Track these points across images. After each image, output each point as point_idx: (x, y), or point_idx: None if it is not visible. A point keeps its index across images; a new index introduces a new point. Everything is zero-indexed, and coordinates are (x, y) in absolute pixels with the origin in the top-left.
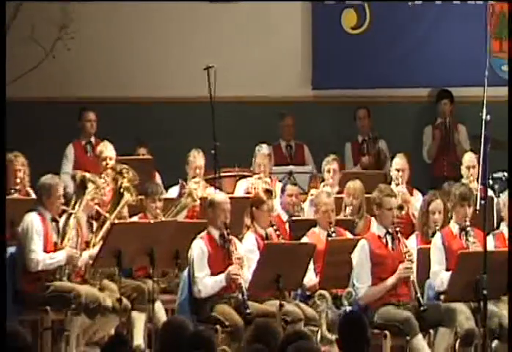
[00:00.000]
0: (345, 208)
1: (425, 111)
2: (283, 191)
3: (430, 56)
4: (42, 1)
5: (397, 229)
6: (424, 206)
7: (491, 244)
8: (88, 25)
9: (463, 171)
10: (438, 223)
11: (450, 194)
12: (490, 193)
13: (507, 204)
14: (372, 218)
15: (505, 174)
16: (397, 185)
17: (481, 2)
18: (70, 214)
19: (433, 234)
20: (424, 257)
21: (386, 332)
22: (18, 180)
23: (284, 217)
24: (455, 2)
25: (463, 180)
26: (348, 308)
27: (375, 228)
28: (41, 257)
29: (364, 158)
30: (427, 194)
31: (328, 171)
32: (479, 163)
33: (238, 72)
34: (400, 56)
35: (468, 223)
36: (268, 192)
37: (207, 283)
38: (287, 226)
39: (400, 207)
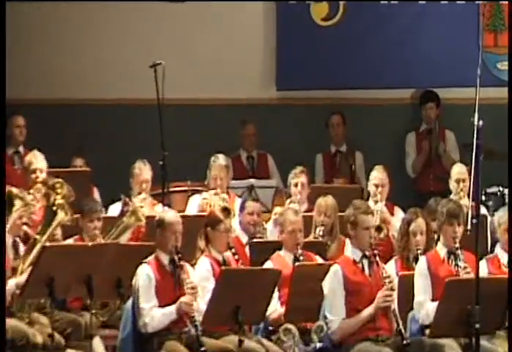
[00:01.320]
0: (315, 228)
1: (407, 115)
2: (242, 208)
3: (413, 52)
4: (42, 0)
5: (376, 252)
6: (403, 226)
7: (484, 270)
8: (29, 23)
9: (452, 185)
10: (420, 246)
11: (437, 212)
12: (483, 210)
13: (503, 223)
14: (347, 240)
15: (501, 188)
16: (376, 202)
17: None
18: None
19: (415, 258)
20: (406, 285)
21: None
22: None
23: (244, 239)
24: (442, 2)
25: (452, 196)
26: (319, 344)
27: (350, 251)
28: None
29: (337, 181)
30: (407, 213)
31: (296, 186)
32: (470, 176)
33: (191, 72)
34: (379, 52)
35: (457, 245)
36: (226, 210)
37: (155, 316)
38: (247, 249)
39: (379, 228)
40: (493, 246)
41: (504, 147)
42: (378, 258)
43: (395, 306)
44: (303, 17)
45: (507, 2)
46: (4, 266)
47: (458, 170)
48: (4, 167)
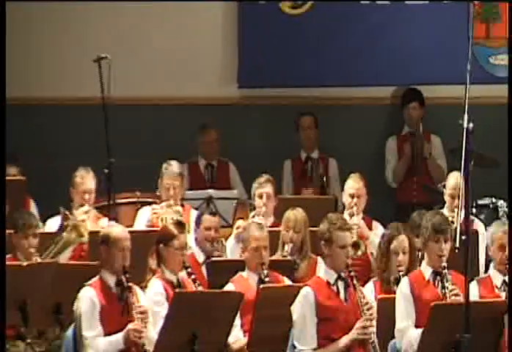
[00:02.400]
0: (283, 246)
1: (387, 117)
2: (198, 222)
3: (394, 45)
4: (42, 0)
5: (352, 273)
6: (383, 244)
7: (475, 293)
8: None
9: (447, 199)
10: (402, 266)
11: (421, 227)
12: (474, 225)
13: (497, 239)
14: (319, 259)
15: (494, 200)
16: (352, 215)
17: None
18: None
19: (396, 280)
20: (386, 310)
21: None
22: None
23: (200, 257)
24: None
25: (446, 211)
26: None
27: (324, 272)
28: None
29: (307, 191)
30: (387, 228)
31: (261, 197)
32: (456, 183)
33: (141, 67)
34: (354, 45)
35: (444, 265)
36: (180, 224)
37: (100, 345)
38: (204, 269)
39: (356, 245)
40: (486, 265)
41: (497, 152)
42: (355, 281)
43: (374, 337)
44: (268, 5)
45: None
46: (4, 265)
47: (454, 183)
48: (4, 167)
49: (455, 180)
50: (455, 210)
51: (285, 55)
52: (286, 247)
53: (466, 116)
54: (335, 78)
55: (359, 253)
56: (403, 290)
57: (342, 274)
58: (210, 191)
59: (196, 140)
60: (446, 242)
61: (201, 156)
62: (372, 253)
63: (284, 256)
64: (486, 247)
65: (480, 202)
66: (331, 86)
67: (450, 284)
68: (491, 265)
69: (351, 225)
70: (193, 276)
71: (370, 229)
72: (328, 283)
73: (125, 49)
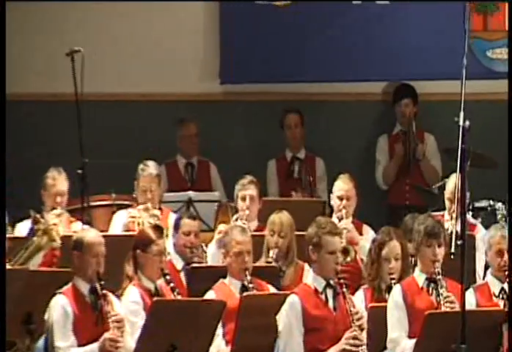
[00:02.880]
0: (268, 251)
1: (378, 114)
2: (177, 227)
3: (385, 38)
4: (41, 0)
5: (342, 280)
6: (374, 250)
7: (471, 301)
8: None
9: (446, 202)
10: (394, 273)
11: (413, 231)
12: (476, 229)
13: (494, 244)
14: (306, 266)
15: (491, 202)
16: (341, 219)
17: None
18: None
19: (388, 288)
20: (377, 320)
21: None
22: None
23: (179, 264)
24: None
25: (446, 215)
26: None
27: (311, 279)
28: None
29: (296, 195)
30: (378, 233)
31: (244, 199)
32: (455, 186)
33: (117, 62)
34: (343, 38)
35: (438, 271)
36: (158, 228)
37: None
38: (183, 276)
39: (345, 251)
40: (483, 272)
41: (495, 152)
42: (344, 289)
43: (364, 349)
44: None
45: None
46: (4, 266)
47: (453, 186)
48: (4, 167)
49: (453, 183)
50: (453, 214)
51: (270, 49)
52: (271, 252)
53: (462, 114)
54: (322, 73)
55: (348, 259)
56: (395, 298)
57: (331, 282)
58: (190, 193)
59: (175, 139)
60: (439, 246)
61: (180, 154)
62: (362, 259)
63: (269, 262)
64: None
65: (477, 204)
66: (318, 81)
67: (445, 291)
68: (489, 271)
69: (341, 229)
70: (172, 284)
71: (360, 233)
72: (316, 291)
73: (100, 42)
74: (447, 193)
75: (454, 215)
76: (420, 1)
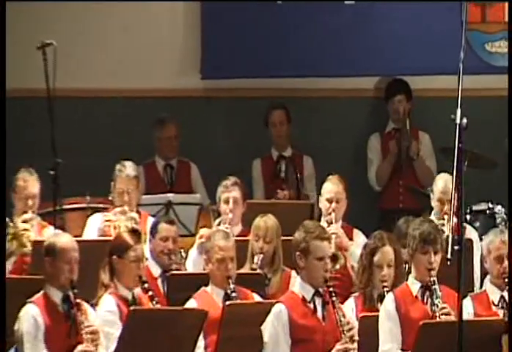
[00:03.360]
0: (252, 257)
1: (369, 111)
2: (154, 232)
3: (377, 30)
4: (42, 0)
5: (331, 289)
6: (366, 256)
7: (468, 310)
8: None
9: (435, 204)
10: (386, 281)
11: (408, 236)
12: (475, 235)
13: (494, 249)
14: (293, 273)
15: (490, 205)
16: (330, 223)
17: None
18: None
19: (380, 296)
20: (369, 330)
21: None
22: None
23: (157, 271)
24: None
25: (434, 218)
26: None
27: (299, 287)
28: None
29: (282, 193)
30: (370, 238)
31: (227, 202)
32: (451, 189)
33: (92, 56)
34: (332, 30)
35: (434, 279)
36: (136, 233)
37: None
38: (160, 283)
39: (334, 257)
40: (481, 279)
41: (494, 152)
42: (334, 297)
43: None
44: None
45: None
46: (4, 267)
47: (443, 186)
48: (4, 167)
49: (444, 182)
50: (445, 216)
51: (254, 42)
52: (256, 259)
53: (459, 111)
54: (310, 68)
55: (337, 266)
56: (387, 308)
57: (320, 290)
58: (170, 196)
59: (153, 137)
60: (436, 254)
61: (158, 155)
62: (353, 266)
63: (254, 269)
64: (481, 258)
65: (475, 207)
66: (305, 76)
67: (440, 301)
68: (487, 278)
69: (330, 234)
70: (150, 293)
71: (351, 238)
72: (303, 299)
73: (74, 35)
74: (437, 194)
75: (450, 218)
76: (414, 0)
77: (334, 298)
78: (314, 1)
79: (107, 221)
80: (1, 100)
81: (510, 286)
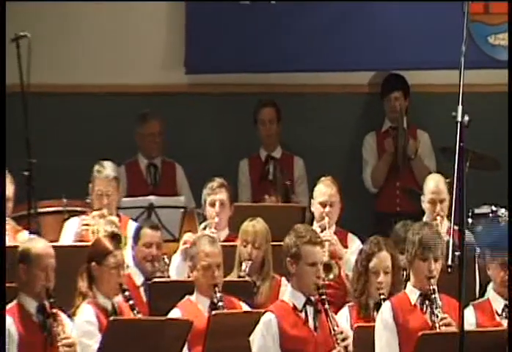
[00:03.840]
0: (240, 264)
1: (364, 108)
2: (137, 238)
3: (372, 21)
4: (42, 0)
5: (324, 296)
6: (361, 262)
7: (470, 321)
8: None
9: (426, 207)
10: (383, 289)
11: (406, 242)
12: (470, 238)
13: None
14: (284, 280)
15: (494, 208)
16: (323, 229)
17: None
18: None
19: (376, 305)
20: (364, 342)
21: None
22: None
23: (139, 279)
24: None
25: (426, 219)
26: None
27: (289, 295)
28: None
29: (269, 199)
30: (366, 243)
31: (213, 205)
32: (452, 192)
33: (69, 49)
34: (324, 22)
35: (434, 287)
36: (116, 238)
37: None
38: (142, 291)
39: (327, 266)
40: (483, 287)
41: (498, 151)
42: (327, 306)
43: None
44: None
45: None
46: (4, 265)
47: (434, 185)
48: (4, 167)
49: (434, 182)
50: (438, 218)
51: (241, 35)
52: (243, 265)
53: (460, 108)
54: (301, 62)
55: (331, 276)
56: (384, 317)
57: (312, 298)
58: (152, 198)
59: (135, 134)
60: (436, 261)
61: (141, 154)
62: (347, 275)
63: (242, 276)
64: (482, 265)
65: (477, 211)
66: (296, 71)
67: (441, 311)
68: (490, 286)
69: (322, 239)
70: (131, 302)
71: (345, 244)
72: (294, 308)
73: (51, 27)
74: (428, 195)
75: (439, 219)
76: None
77: (327, 307)
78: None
79: (85, 225)
80: (1, 100)
81: (510, 288)
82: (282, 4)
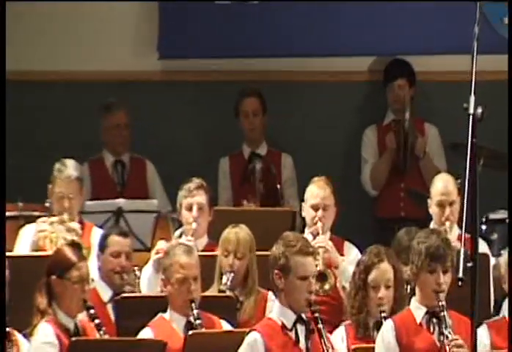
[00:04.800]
0: (221, 276)
1: (363, 99)
2: (103, 246)
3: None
4: (41, 0)
5: (317, 314)
6: (359, 274)
7: (484, 341)
8: None
9: (433, 210)
10: (384, 305)
11: (411, 251)
12: (483, 248)
13: None
14: (271, 295)
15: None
16: (316, 235)
17: None
18: None
19: (377, 324)
20: None
21: None
22: None
23: (106, 294)
24: None
25: (434, 226)
26: None
27: (277, 312)
28: None
29: (248, 205)
30: (364, 253)
31: (190, 209)
32: (463, 194)
33: (28, 33)
34: (318, 1)
35: (443, 303)
36: (79, 247)
37: None
38: (110, 309)
39: (322, 277)
40: (498, 303)
41: None
42: (320, 324)
43: None
44: None
45: None
46: (4, 266)
47: (443, 186)
48: (4, 166)
49: (443, 182)
50: (447, 223)
51: (222, 15)
52: (224, 278)
53: (472, 98)
54: (290, 46)
55: (327, 287)
56: (385, 338)
57: (303, 315)
58: (121, 201)
59: (100, 128)
60: (445, 273)
61: (106, 149)
62: (344, 287)
63: (223, 291)
64: (497, 277)
65: (492, 216)
66: (284, 56)
67: (451, 332)
68: (506, 303)
69: (315, 248)
70: (97, 321)
71: (341, 253)
72: (283, 327)
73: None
74: (436, 197)
75: (448, 224)
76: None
77: (320, 326)
78: None
79: (41, 231)
80: (1, 99)
81: (510, 288)
82: None
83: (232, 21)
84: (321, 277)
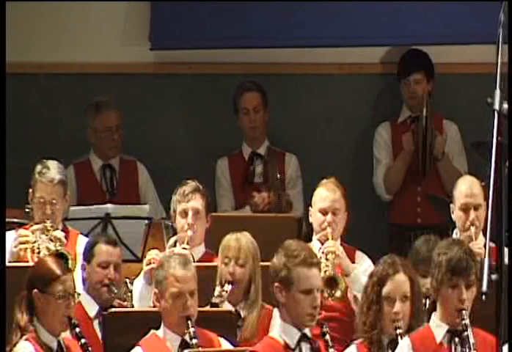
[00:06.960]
0: (221, 288)
1: (376, 94)
2: (89, 256)
3: None
4: (42, 0)
5: (325, 330)
6: (372, 287)
7: None
8: None
9: (457, 215)
10: (400, 321)
11: (432, 264)
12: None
13: None
14: (275, 311)
15: None
16: (324, 241)
17: None
18: None
19: (392, 342)
20: None
21: None
22: None
23: (93, 308)
24: None
25: (456, 233)
26: None
27: (279, 330)
28: None
29: (259, 197)
30: (378, 264)
31: (185, 215)
32: (487, 198)
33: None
34: None
35: (466, 321)
36: (63, 258)
37: None
38: (97, 325)
39: (332, 282)
40: None
41: None
42: (329, 341)
43: None
44: None
45: None
46: (4, 265)
47: (468, 188)
48: (4, 165)
49: (468, 184)
50: (472, 228)
51: (218, 2)
52: (217, 290)
53: (498, 93)
54: (294, 36)
55: (338, 294)
56: None
57: (308, 333)
58: (109, 207)
59: (87, 128)
60: (468, 288)
61: (95, 153)
62: (355, 297)
63: (221, 302)
64: None
65: None
66: (288, 46)
67: (473, 348)
68: None
69: (318, 259)
70: (83, 340)
71: (353, 261)
72: (286, 346)
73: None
74: (460, 200)
75: (474, 230)
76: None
77: (329, 343)
78: None
79: (22, 243)
80: (1, 99)
81: (510, 288)
82: None
83: (232, 8)
84: (331, 282)
